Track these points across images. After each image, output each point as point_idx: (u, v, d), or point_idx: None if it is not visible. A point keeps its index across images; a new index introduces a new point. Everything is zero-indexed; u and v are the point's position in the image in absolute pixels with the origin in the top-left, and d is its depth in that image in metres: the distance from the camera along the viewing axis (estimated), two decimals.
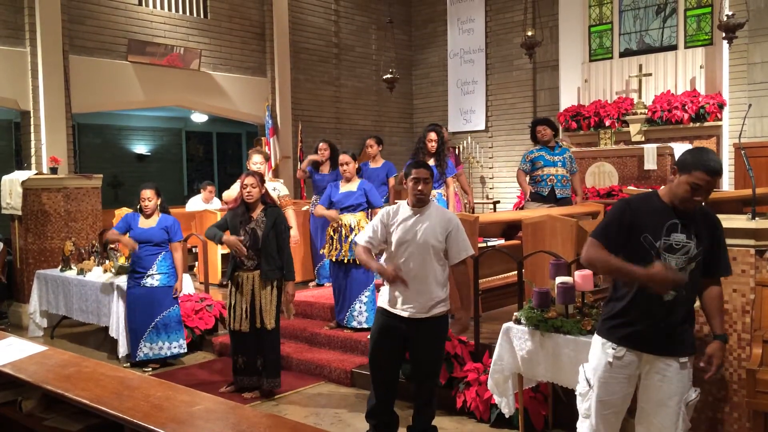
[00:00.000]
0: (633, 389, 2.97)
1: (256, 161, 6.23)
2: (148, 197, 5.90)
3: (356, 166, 6.07)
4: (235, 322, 5.10)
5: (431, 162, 6.53)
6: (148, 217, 5.96)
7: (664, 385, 2.89)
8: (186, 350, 6.13)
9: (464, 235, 3.93)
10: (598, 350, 3.01)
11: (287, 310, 5.24)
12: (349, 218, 5.97)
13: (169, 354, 6.00)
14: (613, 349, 2.94)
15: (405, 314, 3.88)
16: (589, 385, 3.03)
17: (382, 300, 4.02)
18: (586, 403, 3.06)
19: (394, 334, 3.95)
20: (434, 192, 6.67)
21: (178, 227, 6.01)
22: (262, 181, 5.19)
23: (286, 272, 5.10)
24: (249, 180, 5.06)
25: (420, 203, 3.91)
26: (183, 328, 6.10)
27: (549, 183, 6.82)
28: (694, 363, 2.96)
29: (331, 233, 6.04)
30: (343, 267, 5.96)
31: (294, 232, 6.31)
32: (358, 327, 5.96)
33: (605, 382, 2.96)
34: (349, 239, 5.86)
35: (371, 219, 5.50)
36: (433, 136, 6.57)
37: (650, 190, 3.14)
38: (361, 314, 5.95)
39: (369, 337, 4.34)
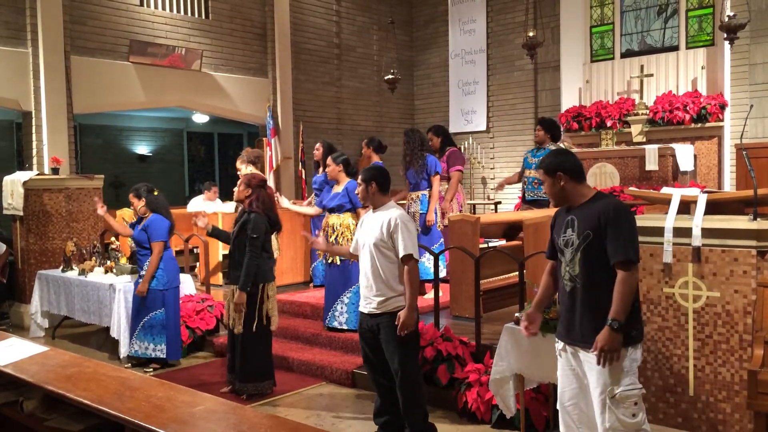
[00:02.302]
0: (586, 381, 3.09)
1: (237, 168, 6.43)
2: (130, 200, 6.16)
3: (340, 168, 6.02)
4: (227, 319, 5.26)
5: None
6: (140, 219, 6.15)
7: (590, 377, 3.04)
8: (165, 356, 6.02)
9: (405, 234, 3.99)
10: (555, 346, 3.28)
11: (267, 316, 5.13)
12: (333, 219, 6.02)
13: (153, 356, 6.00)
14: (556, 343, 3.24)
15: (365, 310, 4.13)
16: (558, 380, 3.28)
17: None
18: (558, 398, 3.29)
19: (367, 332, 4.16)
20: (419, 193, 6.72)
21: (156, 226, 5.94)
22: (261, 185, 5.17)
23: (240, 279, 4.98)
24: (240, 180, 5.24)
25: (364, 202, 4.25)
26: (166, 334, 6.02)
27: (524, 185, 6.91)
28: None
29: (321, 234, 6.10)
30: (329, 268, 5.99)
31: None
32: (339, 327, 5.98)
33: (560, 374, 3.23)
34: (330, 240, 5.92)
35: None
36: (404, 139, 6.73)
37: (651, 190, 3.18)
38: (342, 315, 5.96)
39: None
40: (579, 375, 3.12)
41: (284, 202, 6.62)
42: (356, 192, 4.24)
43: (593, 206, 3.06)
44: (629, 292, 2.94)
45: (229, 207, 7.82)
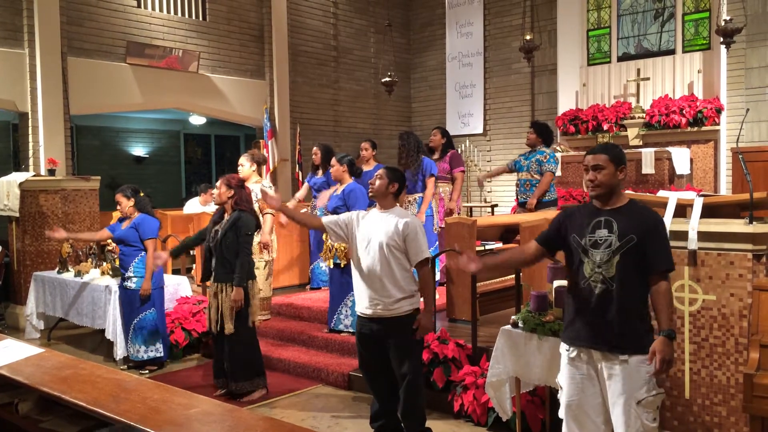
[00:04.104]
0: (598, 389, 3.04)
1: (239, 163, 6.43)
2: (117, 201, 6.10)
3: (344, 169, 6.03)
4: (209, 323, 5.25)
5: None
6: (123, 219, 6.12)
7: (612, 384, 2.97)
8: (162, 354, 6.03)
9: (421, 238, 3.96)
10: (561, 353, 3.19)
11: (252, 313, 5.15)
12: None
13: (146, 358, 5.97)
14: (567, 350, 3.13)
15: (369, 313, 4.01)
16: (561, 388, 3.18)
17: (355, 302, 4.17)
18: (561, 408, 3.18)
19: (369, 338, 4.07)
20: (416, 196, 6.73)
21: (148, 225, 5.97)
22: (240, 185, 5.19)
23: (236, 277, 5.02)
24: (219, 182, 5.21)
25: (374, 198, 4.15)
26: (159, 332, 6.03)
27: (516, 188, 6.93)
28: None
29: (323, 237, 6.10)
30: (332, 271, 5.99)
31: (265, 238, 6.36)
32: (345, 330, 5.98)
33: (568, 383, 3.12)
34: (327, 243, 5.90)
35: None
36: (399, 142, 6.74)
37: (647, 193, 3.18)
38: (347, 318, 5.96)
39: None
40: (591, 381, 3.04)
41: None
42: (374, 183, 4.10)
43: (634, 212, 3.02)
44: (672, 300, 3.01)
45: None
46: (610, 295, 2.97)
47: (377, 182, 4.08)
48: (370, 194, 4.14)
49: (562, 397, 3.15)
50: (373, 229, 4.02)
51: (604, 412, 3.04)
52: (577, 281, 3.09)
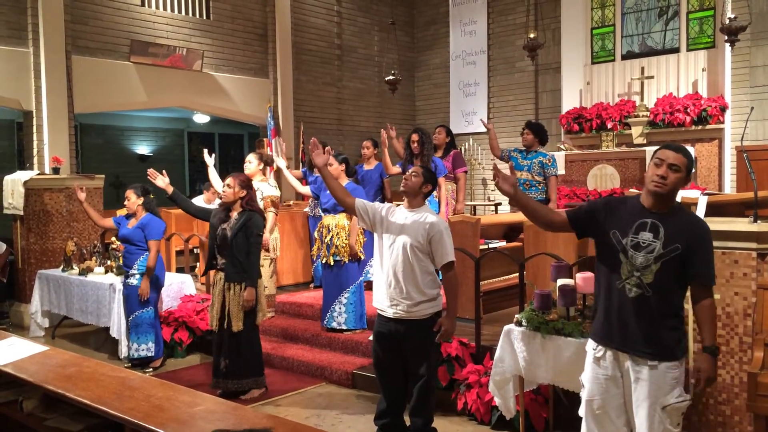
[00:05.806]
0: (621, 390, 2.97)
1: (247, 160, 6.45)
2: (126, 196, 6.10)
3: (342, 168, 5.99)
4: (212, 320, 5.24)
5: (417, 162, 6.61)
6: (130, 216, 6.12)
7: (638, 387, 2.90)
8: (153, 354, 6.00)
9: (446, 241, 3.90)
10: (588, 351, 3.10)
11: (260, 312, 5.17)
12: (328, 220, 5.99)
13: (137, 356, 5.96)
14: (593, 349, 3.03)
15: (389, 314, 3.96)
16: (583, 386, 3.09)
17: (374, 297, 4.11)
18: (581, 405, 3.11)
19: (387, 337, 4.02)
20: None
21: (154, 226, 5.98)
22: (248, 185, 5.19)
23: (247, 277, 5.04)
24: (228, 180, 5.18)
25: (405, 195, 4.03)
26: (155, 331, 6.02)
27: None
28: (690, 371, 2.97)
29: (316, 235, 6.10)
30: (326, 268, 5.99)
31: (265, 235, 6.36)
32: (338, 328, 5.98)
33: (591, 381, 3.03)
34: (326, 240, 5.91)
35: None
36: (414, 137, 6.71)
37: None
38: (340, 315, 5.96)
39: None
40: (615, 382, 2.97)
41: (281, 162, 6.94)
42: (409, 178, 4.00)
43: (681, 218, 2.87)
44: (715, 315, 2.93)
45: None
46: (646, 301, 2.86)
47: (413, 179, 3.99)
48: (403, 189, 4.04)
49: (584, 395, 3.07)
50: (398, 228, 3.94)
51: (625, 414, 2.97)
52: (612, 280, 2.95)
